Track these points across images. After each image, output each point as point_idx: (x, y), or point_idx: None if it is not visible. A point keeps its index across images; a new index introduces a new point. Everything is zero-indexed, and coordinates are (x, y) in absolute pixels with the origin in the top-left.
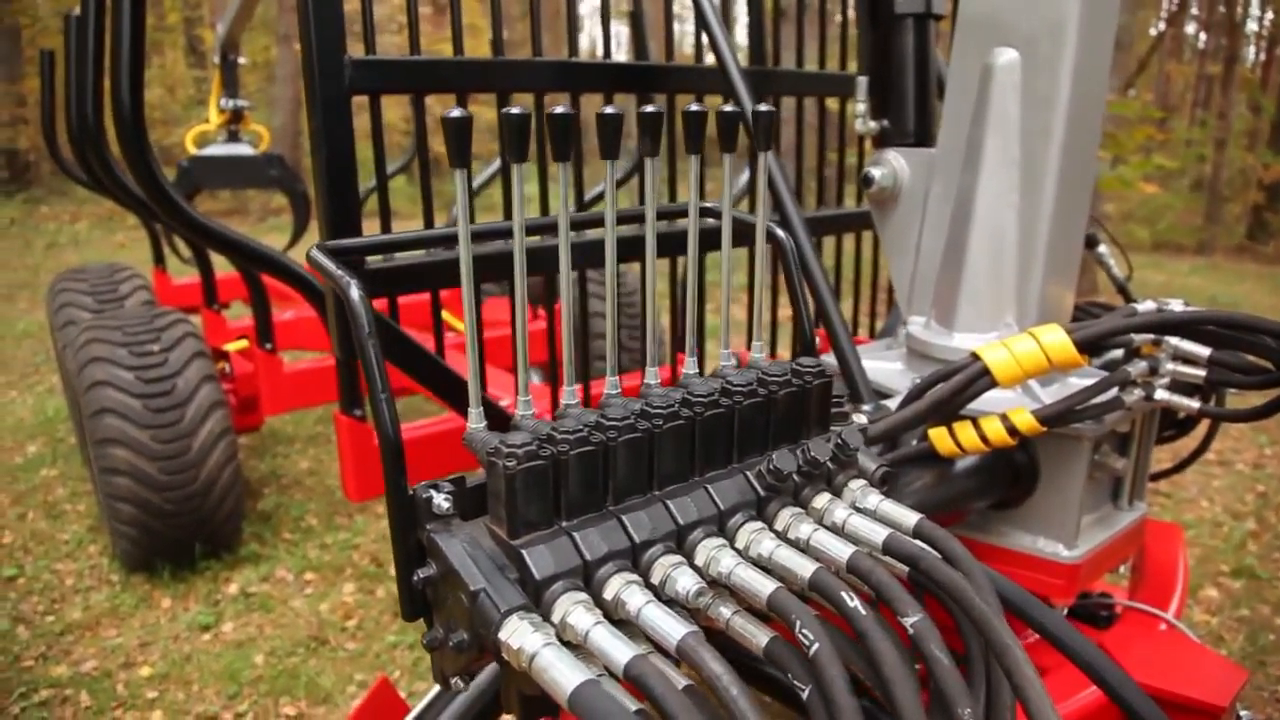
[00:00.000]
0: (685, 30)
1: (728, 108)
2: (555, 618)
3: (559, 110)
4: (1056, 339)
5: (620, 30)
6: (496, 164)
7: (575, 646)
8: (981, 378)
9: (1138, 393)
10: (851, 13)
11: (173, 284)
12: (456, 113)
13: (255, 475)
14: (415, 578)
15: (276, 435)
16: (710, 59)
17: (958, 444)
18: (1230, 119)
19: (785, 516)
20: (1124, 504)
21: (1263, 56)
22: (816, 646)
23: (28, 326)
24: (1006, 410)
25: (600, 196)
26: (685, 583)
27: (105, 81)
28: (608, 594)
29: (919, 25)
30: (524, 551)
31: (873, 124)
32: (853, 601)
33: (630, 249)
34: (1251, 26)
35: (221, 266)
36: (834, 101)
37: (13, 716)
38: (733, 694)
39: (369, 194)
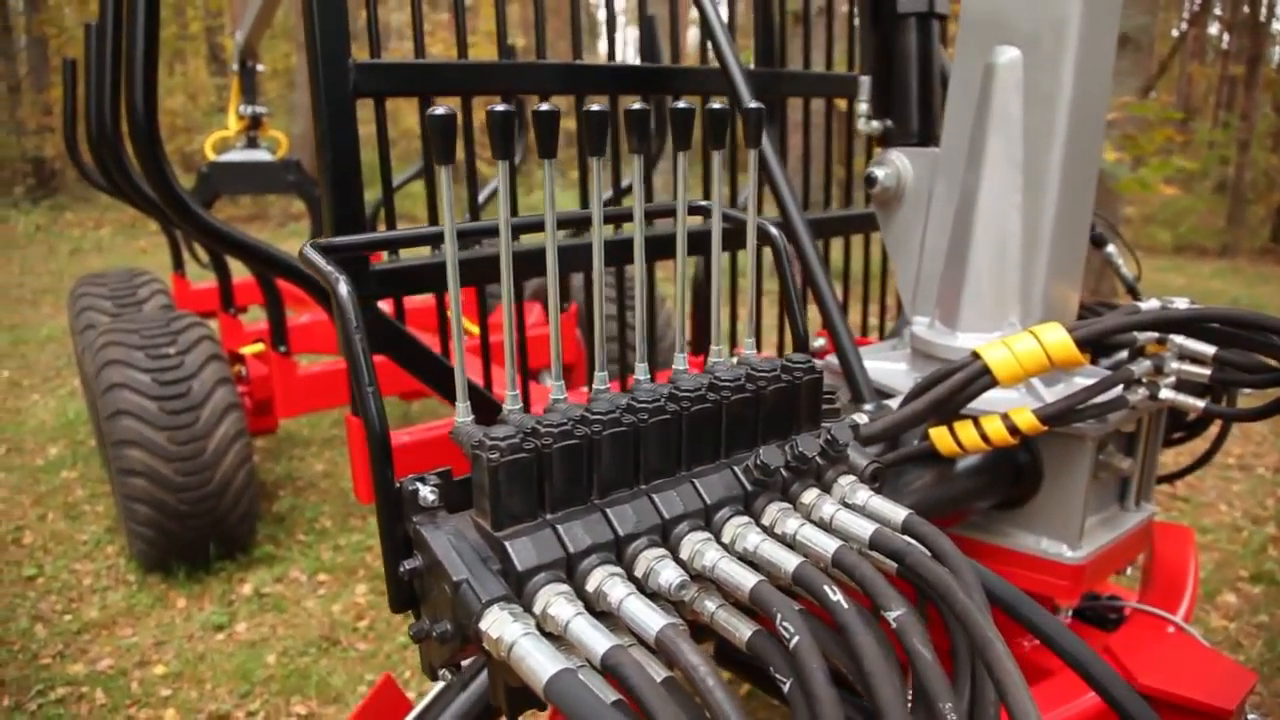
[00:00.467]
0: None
1: (716, 104)
2: (536, 609)
3: (544, 108)
4: (1057, 337)
5: (634, 33)
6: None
7: (557, 638)
8: (982, 376)
9: (1142, 392)
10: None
11: (191, 289)
12: (440, 110)
13: (271, 477)
14: (401, 569)
15: (293, 438)
16: (715, 61)
17: (958, 443)
18: (1254, 120)
19: (772, 511)
20: (1131, 505)
21: None
22: (797, 639)
23: (51, 331)
24: (1008, 409)
25: (627, 191)
26: (668, 575)
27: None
28: (590, 586)
29: (921, 24)
30: (507, 543)
31: (875, 124)
32: (835, 595)
33: (628, 251)
34: (1276, 26)
35: (240, 272)
36: (844, 102)
37: (30, 713)
38: (709, 684)
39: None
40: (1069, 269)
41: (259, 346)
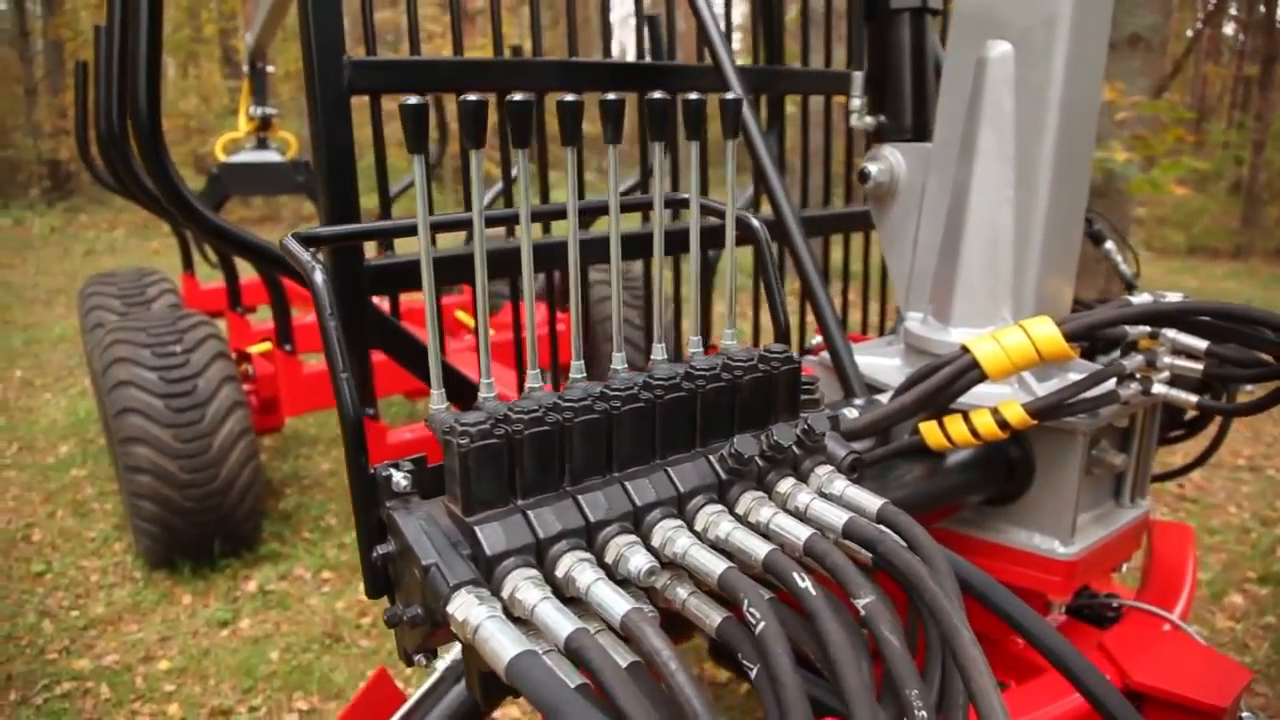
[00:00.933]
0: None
1: (692, 96)
2: (505, 593)
3: (517, 98)
4: (1046, 331)
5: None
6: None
7: (526, 623)
8: (970, 370)
9: (1134, 387)
10: None
11: (200, 288)
12: (413, 100)
13: (277, 476)
14: (375, 554)
15: (300, 437)
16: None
17: (948, 437)
18: (1268, 121)
19: (747, 500)
20: (1126, 501)
21: None
22: (763, 625)
23: (64, 330)
24: (998, 403)
25: (634, 188)
26: (637, 561)
27: None
28: (559, 572)
29: (915, 19)
30: (476, 528)
31: (869, 119)
32: (803, 582)
33: (630, 247)
34: None
35: (248, 272)
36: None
37: (36, 707)
38: (672, 668)
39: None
40: (1062, 264)
41: (266, 345)
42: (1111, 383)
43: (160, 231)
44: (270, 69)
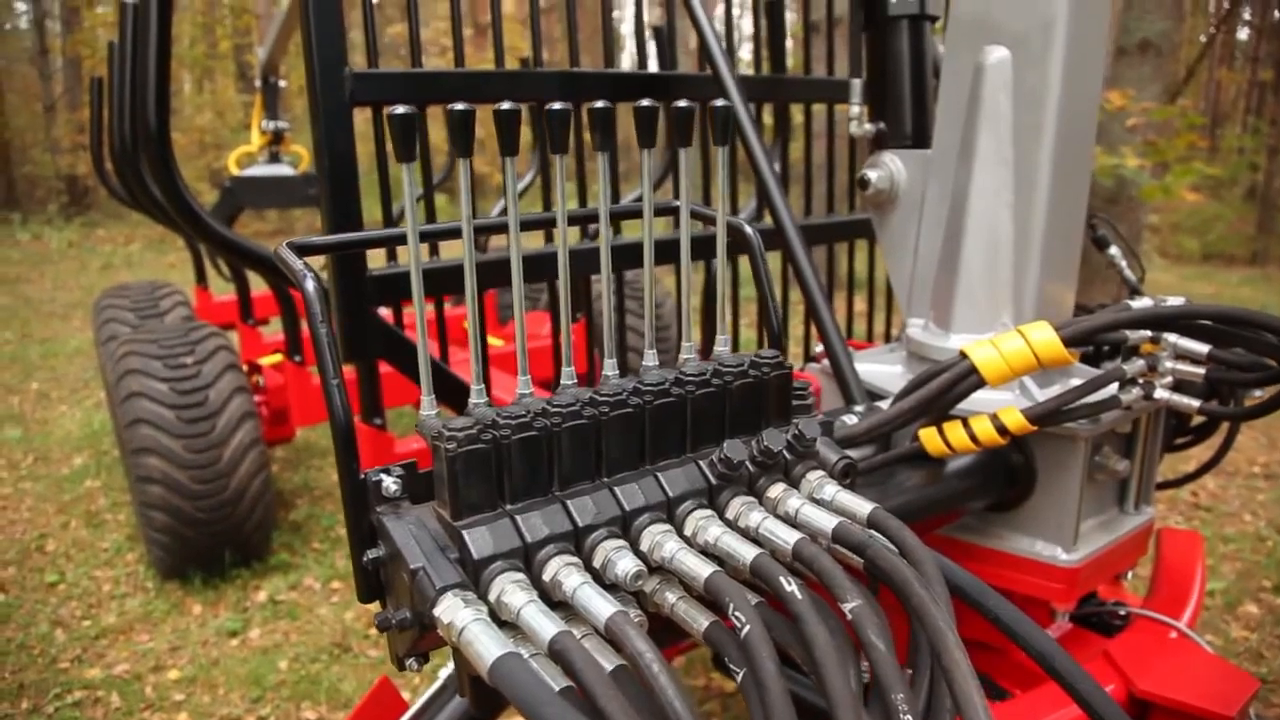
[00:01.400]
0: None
1: (681, 104)
2: (491, 596)
3: (505, 106)
4: (1044, 336)
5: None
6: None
7: (512, 627)
8: (969, 376)
9: (1136, 392)
10: None
11: (213, 301)
12: (401, 110)
13: (288, 487)
14: (365, 558)
15: (311, 448)
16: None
17: (947, 443)
18: None
19: (736, 505)
20: (1130, 508)
21: None
22: (748, 629)
23: (80, 344)
24: (997, 409)
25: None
26: (624, 565)
27: None
28: (547, 576)
29: (913, 27)
30: (464, 532)
31: (868, 126)
32: (790, 585)
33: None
34: None
35: (260, 285)
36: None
37: (47, 715)
38: (654, 670)
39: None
40: (1062, 269)
41: (277, 357)
42: (1113, 388)
43: (176, 246)
44: (283, 83)
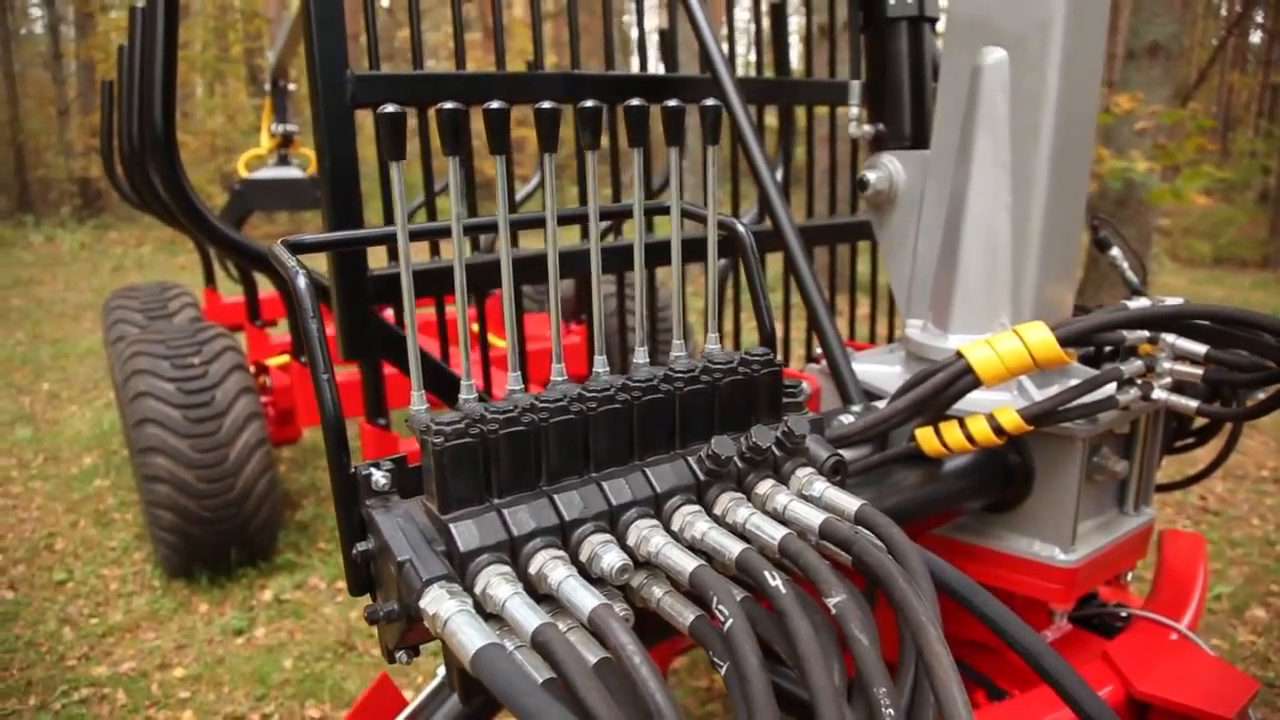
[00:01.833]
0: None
1: (671, 103)
2: (477, 589)
3: (494, 105)
4: (1040, 336)
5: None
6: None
7: (498, 620)
8: (964, 376)
9: (1134, 392)
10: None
11: (221, 302)
12: (390, 108)
13: (295, 487)
14: (355, 551)
15: (318, 449)
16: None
17: (943, 443)
18: None
19: (724, 501)
20: (1130, 509)
21: None
22: (731, 622)
23: (91, 345)
24: (993, 409)
25: (658, 191)
26: (610, 559)
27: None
28: (533, 569)
29: (913, 28)
30: (451, 525)
31: (867, 127)
32: (774, 580)
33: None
34: None
35: (269, 287)
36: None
37: (54, 712)
38: (636, 662)
39: (416, 209)
40: (1061, 270)
41: (284, 358)
42: (1110, 388)
43: (186, 248)
44: (292, 87)
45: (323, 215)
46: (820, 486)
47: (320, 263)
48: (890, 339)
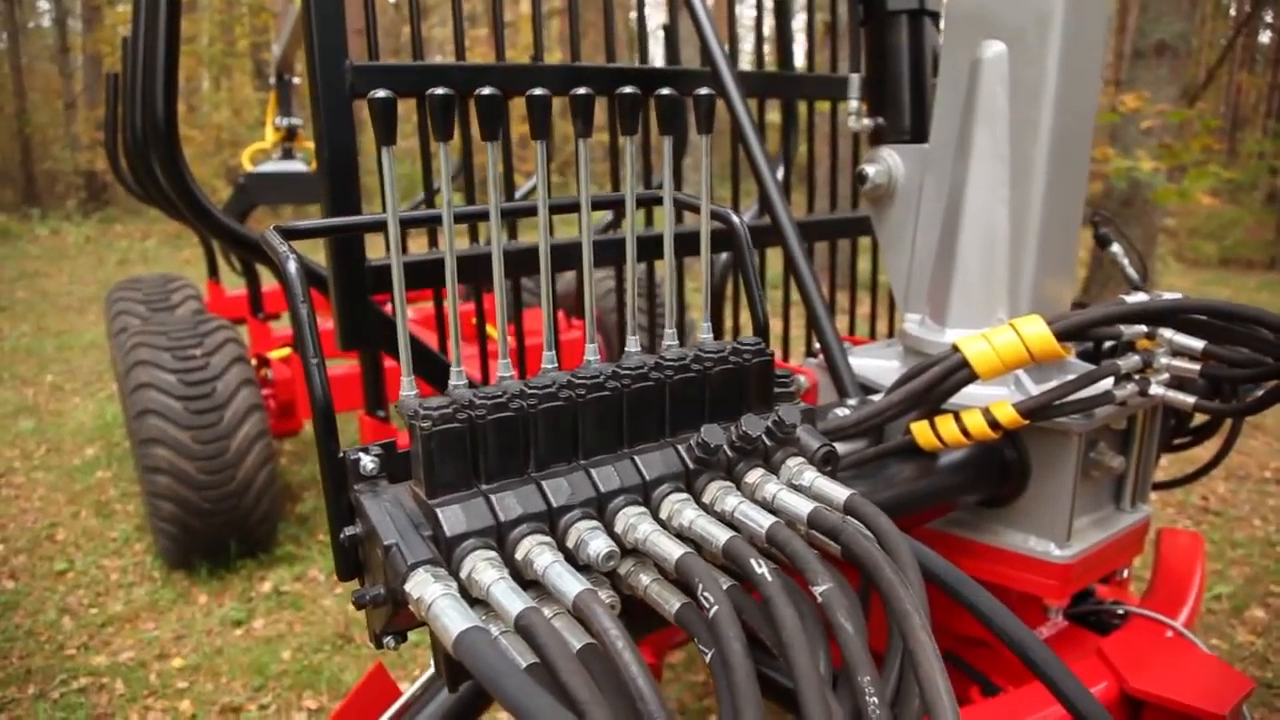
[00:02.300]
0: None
1: (664, 92)
2: (462, 574)
3: (486, 91)
4: (1036, 330)
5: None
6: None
7: (484, 605)
8: (960, 369)
9: (1131, 387)
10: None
11: (225, 295)
12: (381, 93)
13: (296, 479)
14: (342, 535)
15: None
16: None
17: (938, 436)
18: None
19: (713, 490)
20: (1126, 506)
21: None
22: (716, 609)
23: (95, 337)
24: (989, 403)
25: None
26: (597, 546)
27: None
28: (519, 555)
29: (913, 22)
30: (437, 510)
31: (867, 121)
32: (760, 568)
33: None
34: None
35: (272, 280)
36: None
37: (53, 701)
38: (619, 647)
39: (418, 204)
40: (1059, 264)
41: (286, 350)
42: (1107, 383)
43: (191, 241)
44: (296, 80)
45: (321, 207)
46: (810, 476)
47: (320, 256)
48: (891, 335)
